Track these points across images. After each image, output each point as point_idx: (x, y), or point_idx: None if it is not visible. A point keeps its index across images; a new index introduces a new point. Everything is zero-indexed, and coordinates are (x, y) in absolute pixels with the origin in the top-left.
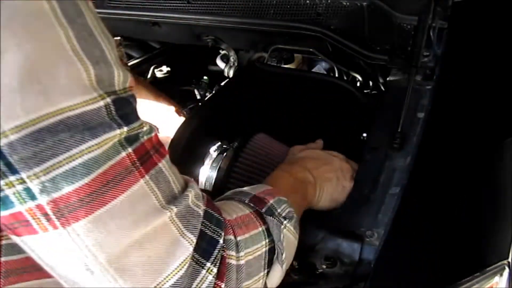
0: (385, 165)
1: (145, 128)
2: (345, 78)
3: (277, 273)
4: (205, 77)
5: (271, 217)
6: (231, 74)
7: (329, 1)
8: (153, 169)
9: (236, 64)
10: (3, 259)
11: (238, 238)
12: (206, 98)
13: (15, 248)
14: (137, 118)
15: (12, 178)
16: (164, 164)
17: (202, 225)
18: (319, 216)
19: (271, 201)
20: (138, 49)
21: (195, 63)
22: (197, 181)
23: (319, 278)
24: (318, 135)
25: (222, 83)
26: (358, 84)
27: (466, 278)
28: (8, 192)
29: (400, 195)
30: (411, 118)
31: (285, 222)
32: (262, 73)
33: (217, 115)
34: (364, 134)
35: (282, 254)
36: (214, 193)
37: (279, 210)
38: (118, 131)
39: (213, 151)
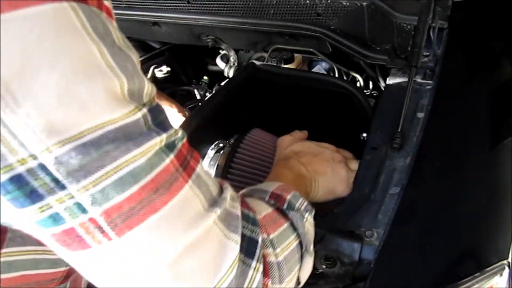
0: (385, 165)
1: (179, 134)
2: (345, 78)
3: (308, 265)
4: (205, 77)
5: (293, 212)
6: (231, 74)
7: (329, 1)
8: (193, 174)
9: (236, 64)
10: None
11: (271, 236)
12: (206, 98)
13: (12, 266)
14: (170, 125)
15: (61, 194)
16: (200, 169)
17: (241, 226)
18: (319, 216)
19: (288, 197)
20: (138, 49)
21: (195, 63)
22: None
23: (319, 278)
24: (318, 135)
25: (222, 83)
26: (358, 84)
27: (466, 278)
28: (58, 208)
29: (400, 195)
30: (411, 118)
31: (306, 215)
32: (262, 73)
33: (217, 115)
34: (364, 134)
35: (310, 246)
36: None
37: (297, 205)
38: (158, 139)
39: (210, 150)
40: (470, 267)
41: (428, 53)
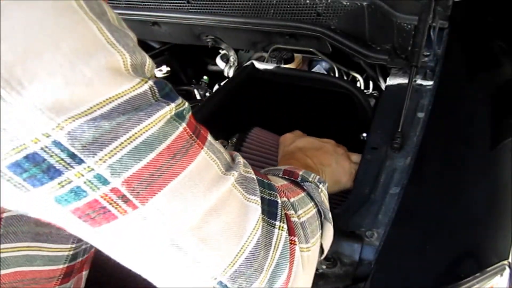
0: (385, 165)
1: (186, 105)
2: (345, 78)
3: (330, 232)
4: (205, 77)
5: (307, 183)
6: (231, 74)
7: (329, 1)
8: (207, 141)
9: (236, 64)
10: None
11: (291, 200)
12: (206, 98)
13: (5, 262)
14: (177, 95)
15: (79, 168)
16: (211, 137)
17: (258, 188)
18: None
19: (300, 172)
20: None
21: (195, 63)
22: None
23: (319, 278)
24: (318, 135)
25: (222, 83)
26: (358, 84)
27: (466, 278)
28: (79, 182)
29: (401, 195)
30: (411, 118)
31: (320, 185)
32: (262, 73)
33: (217, 115)
34: (364, 134)
35: (328, 213)
36: None
37: (310, 178)
38: (167, 108)
39: None
40: (470, 267)
41: (428, 53)
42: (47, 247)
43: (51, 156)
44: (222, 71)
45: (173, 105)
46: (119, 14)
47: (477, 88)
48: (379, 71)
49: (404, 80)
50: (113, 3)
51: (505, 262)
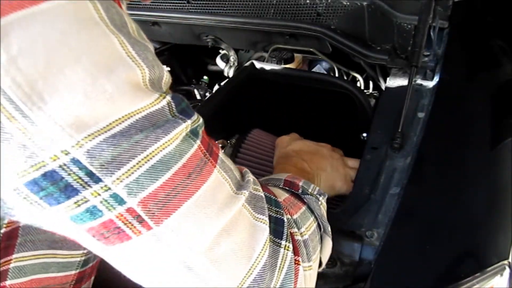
0: (385, 165)
1: (200, 121)
2: (345, 78)
3: (329, 246)
4: (205, 77)
5: (308, 196)
6: (231, 74)
7: (329, 1)
8: (219, 159)
9: (236, 64)
10: (8, 282)
11: (295, 216)
12: (206, 98)
13: (22, 271)
14: (193, 111)
15: (96, 187)
16: (222, 154)
17: (266, 207)
18: None
19: (300, 183)
20: None
21: (195, 63)
22: None
23: (319, 278)
24: (318, 135)
25: (222, 83)
26: (358, 84)
27: (466, 278)
28: (95, 201)
29: (401, 195)
30: (411, 118)
31: (320, 198)
32: (262, 73)
33: (217, 115)
34: (364, 134)
35: (328, 226)
36: None
37: (310, 190)
38: (184, 125)
39: None
40: (470, 267)
41: (428, 53)
42: (61, 254)
43: (69, 174)
44: (222, 71)
45: (189, 121)
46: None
47: (477, 88)
48: (379, 71)
49: (404, 80)
50: None
51: (505, 262)
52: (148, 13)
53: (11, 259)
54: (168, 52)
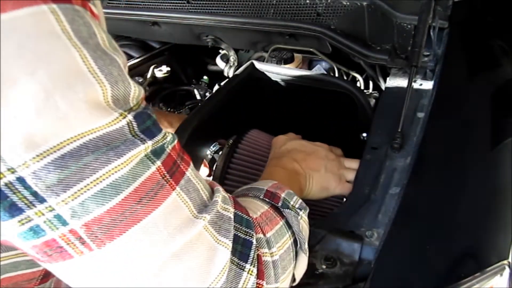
0: (385, 165)
1: (168, 138)
2: (345, 78)
3: (303, 263)
4: (205, 77)
5: (288, 210)
6: (231, 74)
7: (329, 1)
8: (182, 179)
9: (236, 64)
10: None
11: (267, 235)
12: (206, 98)
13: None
14: (159, 129)
15: (40, 206)
16: (191, 172)
17: (234, 228)
18: (319, 216)
19: (283, 195)
20: (138, 49)
21: (195, 63)
22: None
23: (319, 278)
24: (318, 135)
25: (222, 83)
26: (358, 84)
27: (466, 278)
28: (38, 221)
29: (401, 195)
30: (411, 118)
31: (300, 213)
32: (262, 73)
33: (217, 115)
34: (364, 134)
35: (304, 243)
36: None
37: (292, 203)
38: (142, 147)
39: (209, 150)
40: (470, 267)
41: (428, 53)
42: None
43: (14, 193)
44: (222, 71)
45: (149, 143)
46: (119, 14)
47: (477, 88)
48: (379, 71)
49: (404, 80)
50: (113, 3)
51: (505, 262)
52: (148, 13)
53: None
54: (168, 52)
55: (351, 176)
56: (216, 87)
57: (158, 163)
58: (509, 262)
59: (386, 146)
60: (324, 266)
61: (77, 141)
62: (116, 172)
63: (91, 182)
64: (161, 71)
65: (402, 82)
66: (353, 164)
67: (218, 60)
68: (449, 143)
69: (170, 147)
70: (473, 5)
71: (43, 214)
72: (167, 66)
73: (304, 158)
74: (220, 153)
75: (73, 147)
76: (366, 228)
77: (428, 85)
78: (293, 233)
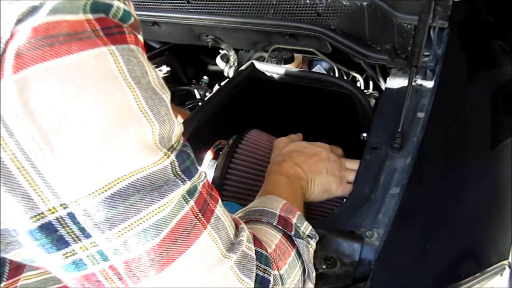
0: (385, 165)
1: (202, 177)
2: (345, 78)
3: None
4: (205, 77)
5: (299, 240)
6: (231, 74)
7: (329, 1)
8: (212, 217)
9: (236, 64)
10: None
11: (281, 271)
12: (206, 98)
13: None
14: (196, 169)
15: (86, 242)
16: (219, 209)
17: (255, 266)
18: (320, 217)
19: (294, 221)
20: None
21: (195, 63)
22: None
23: (319, 278)
24: (318, 135)
25: (222, 83)
26: (358, 84)
27: (466, 278)
28: (82, 255)
29: (401, 195)
30: (411, 118)
31: (311, 242)
32: (262, 73)
33: (217, 115)
34: (364, 134)
35: (312, 272)
36: None
37: (302, 229)
38: (183, 188)
39: (210, 150)
40: (470, 267)
41: (428, 53)
42: None
43: (63, 227)
44: (222, 71)
45: (189, 183)
46: None
47: (477, 88)
48: (379, 71)
49: (404, 80)
50: None
51: (505, 262)
52: (148, 13)
53: (19, 278)
54: (168, 52)
55: (352, 177)
56: (216, 87)
57: (192, 202)
58: (509, 262)
59: (386, 146)
60: (324, 266)
61: (125, 180)
62: (158, 212)
63: (135, 222)
64: (161, 71)
65: (402, 82)
66: (354, 165)
67: (218, 60)
68: (449, 143)
69: (201, 185)
70: (473, 5)
71: (87, 249)
72: (167, 66)
73: (305, 161)
74: (221, 153)
75: (122, 186)
76: (366, 228)
77: (428, 85)
78: (302, 263)
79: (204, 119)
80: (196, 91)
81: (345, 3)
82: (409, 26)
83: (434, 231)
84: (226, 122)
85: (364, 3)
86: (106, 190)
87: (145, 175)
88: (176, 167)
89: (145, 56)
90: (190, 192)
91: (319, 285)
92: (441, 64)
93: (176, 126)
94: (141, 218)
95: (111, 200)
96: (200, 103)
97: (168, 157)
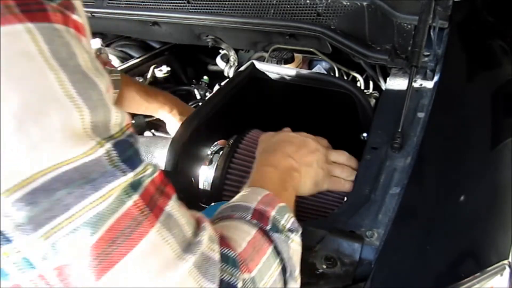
0: (385, 165)
1: (148, 170)
2: (345, 78)
3: None
4: (205, 77)
5: (277, 234)
6: (231, 74)
7: (329, 1)
8: (162, 214)
9: (236, 64)
10: None
11: (252, 274)
12: (206, 98)
13: None
14: (141, 160)
15: (7, 247)
16: (173, 206)
17: (219, 270)
18: (320, 216)
19: (272, 213)
20: (138, 49)
21: (195, 63)
22: (197, 181)
23: (319, 278)
24: (318, 135)
25: (222, 83)
26: (358, 84)
27: (466, 278)
28: (3, 263)
29: (401, 195)
30: (411, 118)
31: (291, 236)
32: (262, 73)
33: (217, 115)
34: (364, 134)
35: (295, 271)
36: (213, 192)
37: (282, 222)
38: (123, 179)
39: (210, 150)
40: (470, 267)
41: (428, 53)
42: None
43: None
44: (222, 71)
45: (131, 174)
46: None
47: (477, 88)
48: (379, 71)
49: (404, 80)
50: (113, 3)
51: (505, 262)
52: (148, 13)
53: None
54: (168, 52)
55: (337, 171)
56: (216, 87)
57: (135, 196)
58: (509, 262)
59: (386, 146)
60: (324, 266)
61: (49, 173)
62: (93, 207)
63: (65, 220)
64: (161, 71)
65: (402, 82)
66: (340, 157)
67: (218, 60)
68: (449, 143)
69: (148, 180)
70: (473, 5)
71: (8, 256)
72: (167, 66)
73: (296, 151)
74: (221, 153)
75: (45, 180)
76: (366, 228)
77: (428, 85)
78: (281, 260)
79: (204, 119)
80: (196, 91)
81: (345, 3)
82: (409, 26)
83: (434, 231)
84: (226, 122)
85: (364, 3)
86: (25, 185)
87: (74, 167)
88: (114, 157)
89: (80, 38)
90: (134, 186)
91: (319, 285)
92: (441, 64)
93: (115, 114)
94: (71, 216)
95: (32, 196)
96: (200, 103)
97: (101, 146)
